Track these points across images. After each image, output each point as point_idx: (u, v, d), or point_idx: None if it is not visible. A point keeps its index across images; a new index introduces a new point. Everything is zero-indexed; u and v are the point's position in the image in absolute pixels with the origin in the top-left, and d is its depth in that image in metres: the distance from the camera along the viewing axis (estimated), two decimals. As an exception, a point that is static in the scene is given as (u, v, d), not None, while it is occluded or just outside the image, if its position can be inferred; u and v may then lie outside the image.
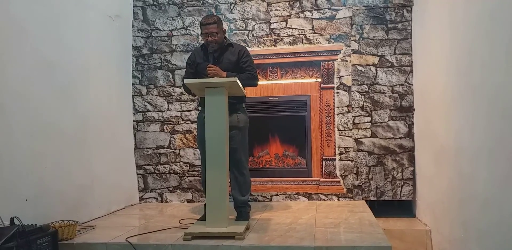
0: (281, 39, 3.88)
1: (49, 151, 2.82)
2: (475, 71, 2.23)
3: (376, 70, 3.73)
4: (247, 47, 3.84)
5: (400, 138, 3.68)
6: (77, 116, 3.17)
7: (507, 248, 1.84)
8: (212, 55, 2.86)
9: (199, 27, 3.95)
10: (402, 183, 3.66)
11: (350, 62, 3.76)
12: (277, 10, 3.92)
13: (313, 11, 3.84)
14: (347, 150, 3.74)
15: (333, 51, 3.78)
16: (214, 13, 3.97)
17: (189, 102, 3.98)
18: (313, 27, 3.84)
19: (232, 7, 3.98)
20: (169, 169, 3.99)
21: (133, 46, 4.09)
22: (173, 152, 3.99)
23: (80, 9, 3.27)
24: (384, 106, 3.71)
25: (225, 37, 3.03)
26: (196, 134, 3.76)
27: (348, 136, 3.75)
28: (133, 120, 4.06)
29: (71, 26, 3.15)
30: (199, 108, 3.18)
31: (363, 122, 3.73)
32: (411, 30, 3.69)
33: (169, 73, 4.02)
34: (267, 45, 3.90)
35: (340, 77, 3.77)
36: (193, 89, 2.82)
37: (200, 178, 3.87)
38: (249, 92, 3.70)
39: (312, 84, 3.83)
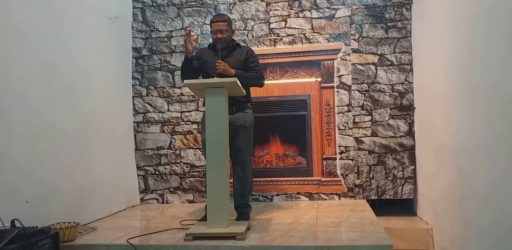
0: (281, 39, 3.88)
1: (49, 152, 2.82)
2: (475, 69, 2.23)
3: (376, 69, 3.73)
4: (246, 47, 3.88)
5: (401, 136, 3.68)
6: (78, 117, 3.17)
7: (509, 245, 1.83)
8: (220, 52, 2.87)
9: (198, 28, 3.98)
10: (403, 181, 3.65)
11: (349, 61, 3.75)
12: (276, 10, 3.92)
13: (313, 10, 3.84)
14: (347, 149, 3.74)
15: (333, 50, 3.78)
16: (214, 14, 3.96)
17: (189, 103, 3.98)
18: (312, 26, 3.83)
19: (231, 8, 3.98)
20: (169, 170, 3.99)
21: (132, 48, 4.09)
22: (173, 152, 3.99)
23: (79, 11, 3.27)
24: (384, 105, 3.70)
25: (233, 39, 3.06)
26: (197, 134, 3.77)
27: (349, 135, 3.74)
28: (133, 122, 4.06)
29: (70, 27, 3.15)
30: (202, 109, 3.18)
31: (363, 121, 3.73)
32: (410, 28, 3.68)
33: (169, 74, 4.02)
34: (267, 45, 3.90)
35: (340, 76, 3.77)
36: (193, 90, 2.83)
37: (202, 179, 3.88)
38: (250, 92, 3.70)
39: (312, 83, 3.83)
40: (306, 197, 3.79)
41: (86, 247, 2.55)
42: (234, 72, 2.82)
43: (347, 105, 3.75)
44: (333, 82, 3.77)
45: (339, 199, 3.74)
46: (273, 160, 3.90)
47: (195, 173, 3.94)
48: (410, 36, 3.68)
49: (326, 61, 3.79)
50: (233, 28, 3.09)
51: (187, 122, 3.98)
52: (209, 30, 3.14)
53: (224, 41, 2.92)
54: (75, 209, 3.01)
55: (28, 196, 2.57)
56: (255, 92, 3.79)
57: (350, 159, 3.74)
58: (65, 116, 3.02)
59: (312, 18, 3.84)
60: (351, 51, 3.75)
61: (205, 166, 3.26)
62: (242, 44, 3.79)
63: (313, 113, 3.81)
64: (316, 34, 3.82)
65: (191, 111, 3.97)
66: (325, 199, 3.76)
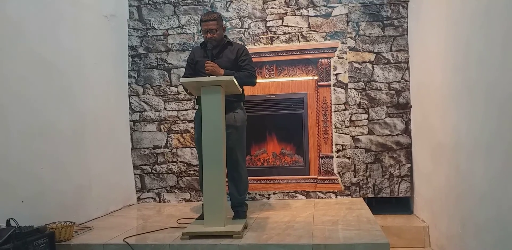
0: (277, 37, 3.87)
1: (46, 151, 2.81)
2: (471, 67, 2.23)
3: (373, 67, 3.72)
4: (243, 46, 3.86)
5: (397, 134, 3.68)
6: (74, 116, 3.16)
7: (505, 243, 1.84)
8: (210, 51, 2.84)
9: (195, 26, 3.96)
10: (400, 179, 3.66)
11: (346, 59, 3.75)
12: (273, 8, 3.91)
13: (309, 8, 3.83)
14: (344, 147, 3.74)
15: (330, 48, 3.77)
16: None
17: (185, 101, 3.96)
18: (309, 24, 3.83)
19: (227, 5, 3.97)
20: (166, 169, 3.98)
21: (129, 46, 4.07)
22: (170, 151, 3.98)
23: (75, 9, 3.26)
24: (381, 103, 3.70)
25: (225, 36, 3.04)
26: (194, 133, 3.76)
27: (345, 133, 3.74)
28: (130, 120, 4.04)
29: (67, 26, 3.14)
30: (196, 107, 3.17)
31: (360, 120, 3.73)
32: (407, 26, 3.68)
33: (165, 73, 4.01)
34: (263, 43, 3.89)
35: (336, 74, 3.76)
36: (189, 88, 2.82)
37: (198, 178, 3.87)
38: (246, 90, 3.67)
39: (309, 82, 3.82)
40: (303, 195, 3.79)
41: (82, 247, 2.54)
42: (223, 72, 2.78)
43: (344, 103, 3.75)
44: (330, 80, 3.77)
45: (336, 197, 3.74)
46: (270, 158, 3.90)
47: (191, 172, 3.93)
48: (407, 34, 3.68)
49: (322, 60, 3.79)
50: (224, 25, 3.04)
51: (184, 121, 3.96)
52: None
53: (215, 40, 2.90)
54: (71, 208, 3.00)
55: (24, 195, 2.56)
56: (252, 90, 3.79)
57: (346, 157, 3.74)
58: (62, 115, 3.01)
59: (308, 16, 3.83)
60: (347, 50, 3.75)
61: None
62: (239, 42, 3.79)
63: (310, 111, 3.81)
64: (312, 32, 3.81)
65: (187, 109, 3.96)
66: (322, 198, 3.76)
